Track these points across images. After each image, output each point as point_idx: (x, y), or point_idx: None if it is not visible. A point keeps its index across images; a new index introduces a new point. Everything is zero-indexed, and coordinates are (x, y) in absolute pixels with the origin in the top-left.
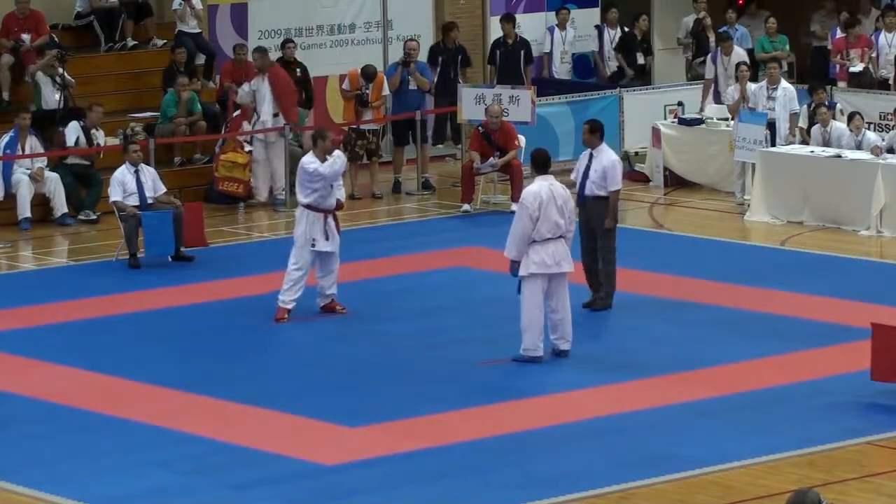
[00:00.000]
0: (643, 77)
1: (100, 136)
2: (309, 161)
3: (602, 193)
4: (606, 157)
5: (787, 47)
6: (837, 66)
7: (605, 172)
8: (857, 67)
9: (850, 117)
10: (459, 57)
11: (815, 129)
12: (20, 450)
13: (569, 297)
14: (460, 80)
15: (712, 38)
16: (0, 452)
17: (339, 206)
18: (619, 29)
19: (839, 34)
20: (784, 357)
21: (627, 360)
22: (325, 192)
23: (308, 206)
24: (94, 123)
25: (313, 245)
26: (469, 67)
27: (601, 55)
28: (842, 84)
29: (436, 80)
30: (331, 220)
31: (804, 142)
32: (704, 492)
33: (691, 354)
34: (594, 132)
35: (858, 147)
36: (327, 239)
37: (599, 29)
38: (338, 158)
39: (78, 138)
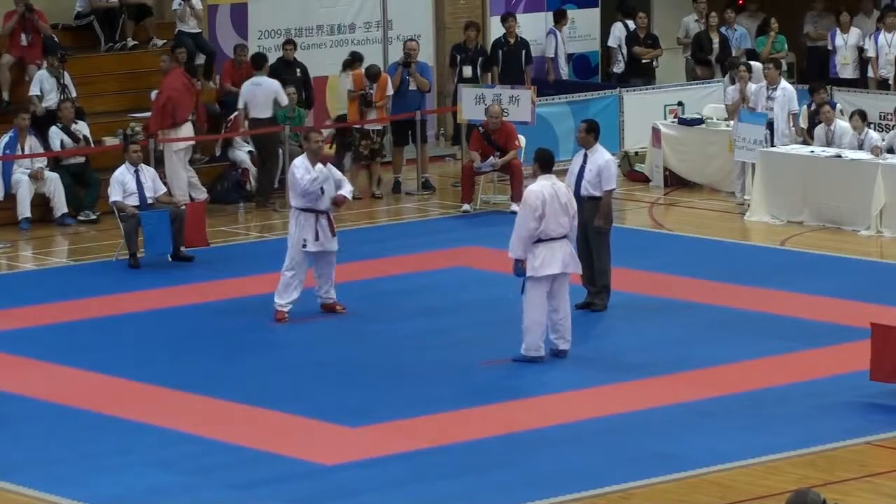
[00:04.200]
0: (648, 75)
1: (83, 128)
2: (297, 168)
3: (597, 193)
4: (601, 156)
5: (786, 47)
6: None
7: (601, 172)
8: None
9: (851, 116)
10: (480, 58)
11: (819, 128)
12: (20, 450)
13: (569, 297)
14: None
15: (716, 40)
16: (0, 452)
17: (342, 200)
18: (566, 31)
19: (839, 35)
20: (784, 357)
21: (627, 361)
22: (315, 196)
23: (299, 208)
24: (70, 120)
25: (304, 246)
26: (488, 70)
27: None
28: None
29: (457, 80)
30: (323, 220)
31: (804, 142)
32: (704, 492)
33: (691, 354)
34: (590, 132)
35: (861, 146)
36: (317, 239)
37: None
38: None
39: (62, 140)
